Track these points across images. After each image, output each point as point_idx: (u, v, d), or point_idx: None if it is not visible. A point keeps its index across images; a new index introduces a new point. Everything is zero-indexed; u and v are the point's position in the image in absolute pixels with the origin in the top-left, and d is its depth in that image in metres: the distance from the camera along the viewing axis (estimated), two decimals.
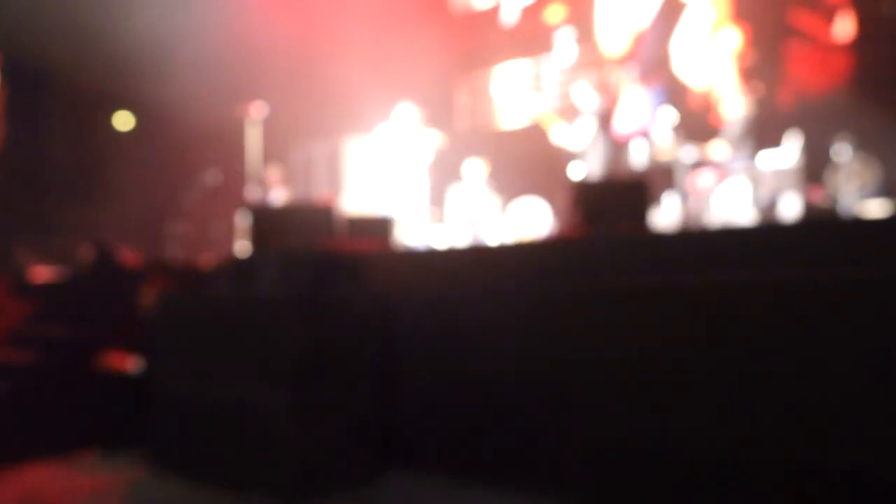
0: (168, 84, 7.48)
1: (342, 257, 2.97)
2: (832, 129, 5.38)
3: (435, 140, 6.51)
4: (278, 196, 6.78)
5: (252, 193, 6.64)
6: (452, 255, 3.02)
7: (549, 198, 6.35)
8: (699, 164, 5.43)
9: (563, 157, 5.87)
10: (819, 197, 5.28)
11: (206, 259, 4.44)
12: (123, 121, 8.41)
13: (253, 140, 6.48)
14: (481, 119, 8.40)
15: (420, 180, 6.55)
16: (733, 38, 6.35)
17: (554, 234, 5.63)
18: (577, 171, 5.65)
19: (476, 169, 7.39)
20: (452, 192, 7.17)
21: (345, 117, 8.03)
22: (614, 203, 3.20)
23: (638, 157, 5.71)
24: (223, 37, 7.77)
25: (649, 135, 5.65)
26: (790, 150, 5.22)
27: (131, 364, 3.28)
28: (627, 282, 2.30)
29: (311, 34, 8.17)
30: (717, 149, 5.47)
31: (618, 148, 5.65)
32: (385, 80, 8.03)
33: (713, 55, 6.35)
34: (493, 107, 8.27)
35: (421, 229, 6.44)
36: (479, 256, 2.96)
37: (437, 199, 7.13)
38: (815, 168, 5.25)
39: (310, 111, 8.53)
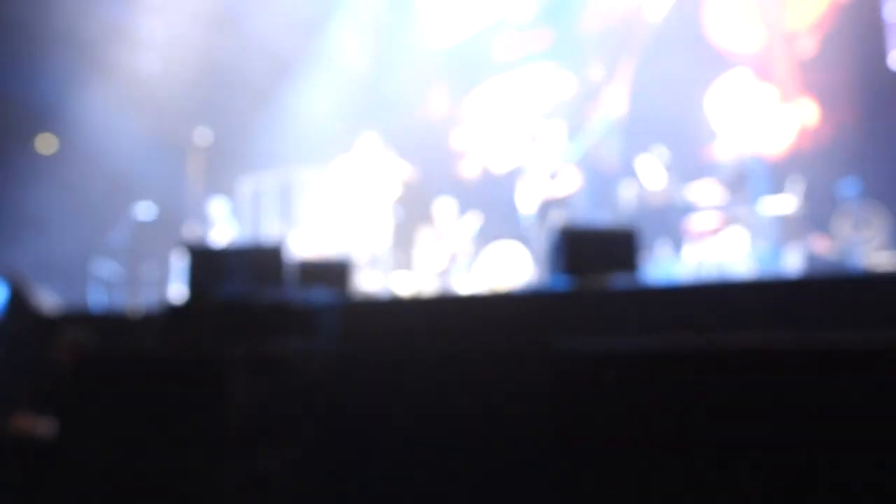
0: (97, 102, 7.46)
1: (293, 307, 2.99)
2: (837, 172, 5.54)
3: (402, 173, 6.56)
4: (222, 234, 6.80)
5: (191, 231, 6.63)
6: (419, 305, 3.04)
7: (530, 243, 6.49)
8: (695, 209, 5.54)
9: (548, 200, 6.04)
10: (824, 247, 5.39)
11: (136, 306, 4.39)
12: (46, 143, 8.32)
13: (194, 169, 6.52)
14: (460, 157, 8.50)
15: (384, 218, 6.62)
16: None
17: (534, 284, 5.75)
18: (559, 215, 5.82)
19: (446, 207, 7.52)
20: (421, 233, 7.21)
21: (300, 146, 8.06)
22: (601, 252, 3.26)
23: (627, 200, 5.85)
24: (164, 53, 7.79)
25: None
26: (792, 196, 5.35)
27: (43, 428, 3.20)
28: (615, 341, 2.36)
29: (261, 54, 8.23)
30: (713, 191, 5.59)
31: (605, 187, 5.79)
32: (346, 105, 8.12)
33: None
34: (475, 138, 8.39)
35: (384, 275, 6.54)
36: (449, 307, 2.98)
37: (404, 241, 7.14)
38: (819, 215, 5.38)
39: (259, 138, 8.54)
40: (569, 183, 5.85)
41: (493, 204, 7.40)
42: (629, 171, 6.12)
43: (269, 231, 8.05)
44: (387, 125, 7.71)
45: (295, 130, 8.14)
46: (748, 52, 6.48)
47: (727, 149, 5.76)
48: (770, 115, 6.23)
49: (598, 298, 2.73)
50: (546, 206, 5.93)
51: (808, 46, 6.18)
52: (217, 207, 7.02)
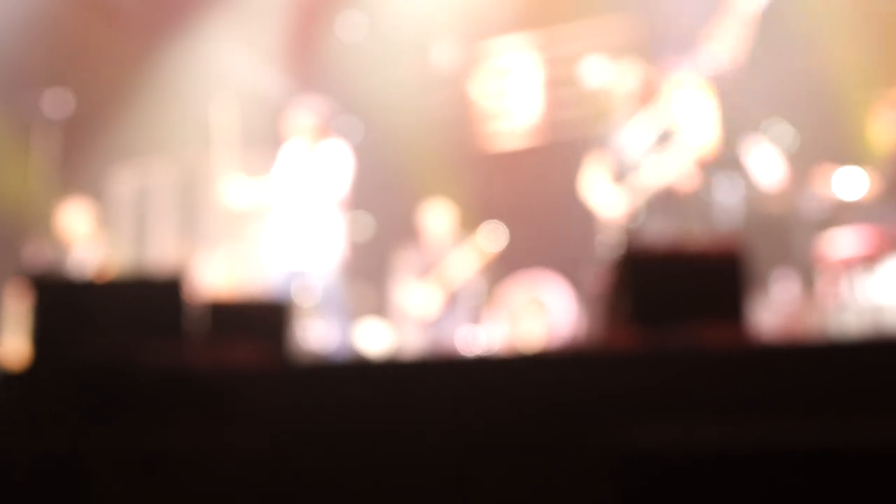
0: None
1: (199, 376, 3.00)
2: None
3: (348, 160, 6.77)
4: (85, 258, 6.87)
5: (37, 252, 6.70)
6: (400, 374, 3.03)
7: (572, 276, 6.72)
8: (835, 221, 5.55)
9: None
10: None
11: None
12: None
13: (43, 155, 6.66)
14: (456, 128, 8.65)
15: (339, 233, 6.80)
16: None
17: (579, 340, 5.82)
18: (617, 232, 5.94)
19: (442, 213, 7.69)
20: (401, 255, 7.29)
21: (204, 123, 8.25)
22: (685, 288, 3.27)
23: (729, 202, 5.89)
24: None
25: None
26: None
27: None
28: (710, 432, 2.42)
29: None
30: (866, 193, 5.62)
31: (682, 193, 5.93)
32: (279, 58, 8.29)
33: None
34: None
35: (341, 321, 6.72)
36: (449, 377, 2.97)
37: (373, 269, 7.22)
38: None
39: (146, 108, 8.63)
40: (657, 178, 5.91)
41: (519, 210, 7.48)
42: (730, 162, 6.21)
43: (162, 253, 8.09)
44: (348, 87, 7.82)
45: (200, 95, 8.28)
46: None
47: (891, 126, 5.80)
48: None
49: (682, 363, 2.74)
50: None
51: None
52: (76, 214, 7.00)
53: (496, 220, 8.00)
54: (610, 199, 6.00)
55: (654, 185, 5.81)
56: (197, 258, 7.75)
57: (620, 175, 6.03)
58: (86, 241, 7.00)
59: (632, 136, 6.05)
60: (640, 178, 5.87)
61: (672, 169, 5.79)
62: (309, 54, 9.72)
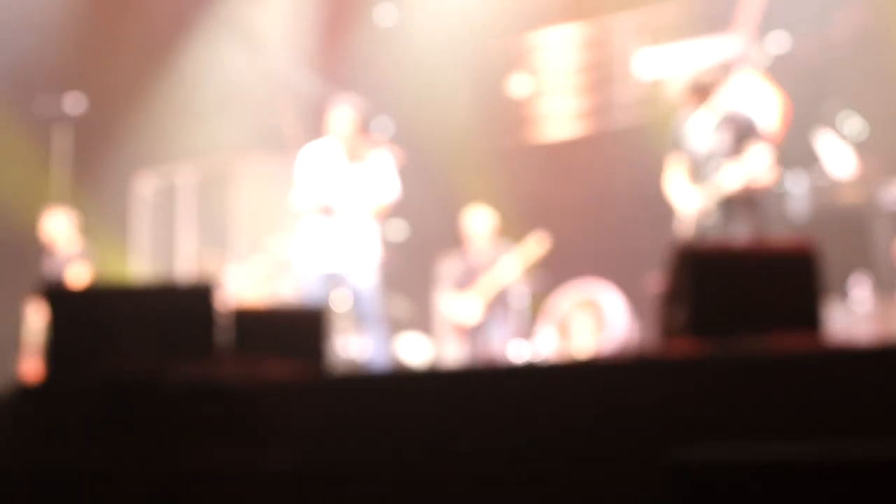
0: None
1: (227, 392, 3.00)
2: None
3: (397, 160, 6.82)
4: (66, 264, 6.94)
5: (55, 261, 6.80)
6: (442, 385, 3.03)
7: (627, 283, 6.74)
8: None
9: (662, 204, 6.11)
10: None
11: None
12: None
13: (57, 158, 6.88)
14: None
15: (371, 236, 6.79)
16: None
17: (634, 348, 5.87)
18: (682, 225, 5.87)
19: (481, 220, 7.71)
20: (442, 261, 7.29)
21: (238, 123, 8.25)
22: (752, 293, 3.24)
23: (801, 195, 5.89)
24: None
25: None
26: None
27: None
28: (798, 448, 2.39)
29: None
30: None
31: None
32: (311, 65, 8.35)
33: None
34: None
35: (379, 329, 6.69)
36: (498, 388, 2.95)
37: (412, 276, 7.21)
38: None
39: (165, 107, 8.68)
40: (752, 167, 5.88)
41: (566, 213, 7.46)
42: (801, 153, 6.19)
43: (188, 260, 8.14)
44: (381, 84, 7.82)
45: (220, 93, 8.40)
46: None
47: None
48: None
49: (749, 373, 2.69)
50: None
51: None
52: (58, 221, 7.01)
53: (542, 223, 7.95)
54: (687, 199, 5.95)
55: (730, 185, 5.77)
56: (226, 265, 7.75)
57: (696, 174, 5.99)
58: (67, 247, 7.08)
59: (702, 133, 5.99)
60: (716, 177, 5.83)
61: (748, 168, 5.74)
62: (341, 49, 9.77)
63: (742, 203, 5.87)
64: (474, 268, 7.88)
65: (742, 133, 5.85)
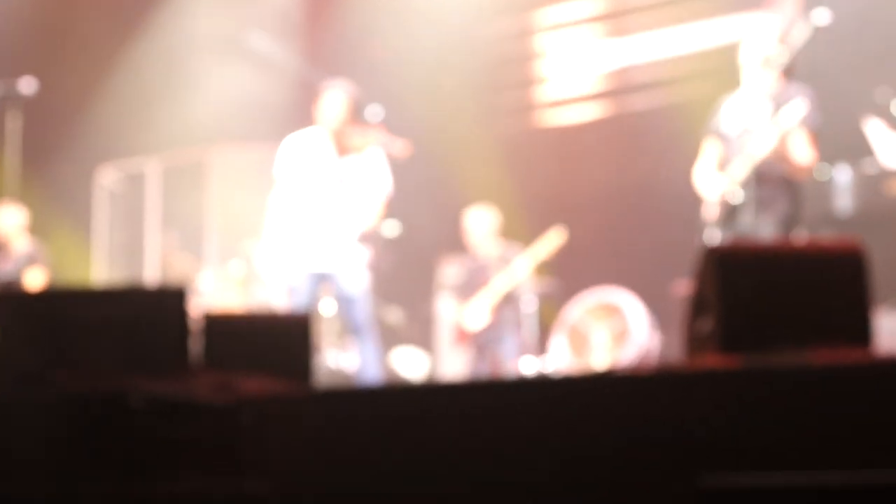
0: None
1: (200, 411, 3.01)
2: None
3: (400, 150, 6.80)
4: (15, 262, 7.06)
5: (7, 261, 6.94)
6: (449, 398, 3.04)
7: (648, 286, 6.85)
8: None
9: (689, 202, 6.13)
10: None
11: None
12: None
13: (11, 144, 6.81)
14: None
15: (363, 237, 6.78)
16: None
17: (656, 361, 6.01)
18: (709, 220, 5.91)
19: (483, 221, 7.74)
20: (442, 263, 7.32)
21: (213, 110, 8.56)
22: (789, 298, 3.22)
23: (842, 186, 5.97)
24: None
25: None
26: None
27: None
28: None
29: None
30: None
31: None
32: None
33: None
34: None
35: (369, 336, 6.66)
36: (508, 402, 2.97)
37: (407, 279, 7.23)
38: None
39: (130, 93, 8.88)
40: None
41: (578, 210, 7.48)
42: (850, 140, 6.21)
43: (155, 262, 8.19)
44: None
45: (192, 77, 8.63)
46: None
47: None
48: None
49: (782, 392, 2.70)
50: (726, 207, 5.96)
51: None
52: (7, 217, 7.13)
53: (551, 222, 7.98)
54: (715, 189, 5.94)
55: (762, 149, 5.71)
56: (199, 268, 7.79)
57: (728, 162, 5.98)
58: (21, 246, 7.26)
59: (744, 115, 5.97)
60: (745, 157, 5.81)
61: (783, 123, 5.70)
62: (327, 27, 9.86)
63: (777, 187, 5.83)
64: (478, 273, 7.92)
65: (779, 110, 5.79)
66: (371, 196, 6.61)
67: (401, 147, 6.56)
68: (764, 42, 5.90)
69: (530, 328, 7.70)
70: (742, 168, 5.73)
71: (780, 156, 5.62)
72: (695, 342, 3.37)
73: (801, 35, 5.74)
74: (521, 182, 8.86)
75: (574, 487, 2.71)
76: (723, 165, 5.97)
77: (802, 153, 5.72)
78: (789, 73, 5.96)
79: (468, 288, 7.95)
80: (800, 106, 5.58)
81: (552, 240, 7.73)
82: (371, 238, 6.76)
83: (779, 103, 5.77)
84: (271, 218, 6.84)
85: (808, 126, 5.70)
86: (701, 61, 8.43)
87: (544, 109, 9.73)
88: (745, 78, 5.97)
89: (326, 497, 2.94)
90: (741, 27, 7.07)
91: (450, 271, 8.08)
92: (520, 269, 7.69)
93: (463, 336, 7.89)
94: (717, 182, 5.90)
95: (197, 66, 9.18)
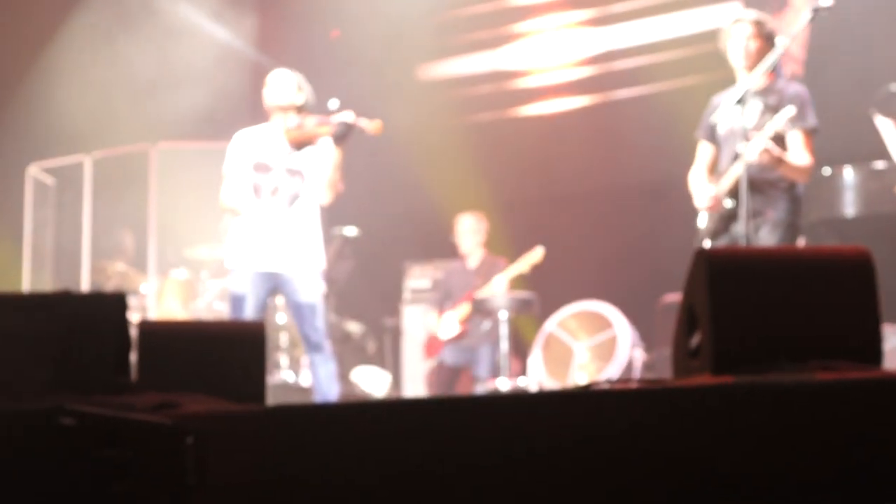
0: None
1: (140, 432, 2.96)
2: None
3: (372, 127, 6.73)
4: None
5: None
6: (409, 420, 3.05)
7: (633, 298, 6.96)
8: None
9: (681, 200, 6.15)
10: None
11: None
12: None
13: None
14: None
15: (315, 236, 6.80)
16: None
17: (640, 378, 5.96)
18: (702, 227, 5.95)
19: (470, 223, 7.81)
20: (411, 271, 7.36)
21: (154, 98, 8.54)
22: (788, 311, 3.23)
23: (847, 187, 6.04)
24: None
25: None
26: None
27: None
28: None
29: None
30: None
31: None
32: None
33: None
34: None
35: (325, 345, 6.69)
36: (474, 420, 2.99)
37: (373, 288, 7.30)
38: None
39: (65, 87, 8.92)
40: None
41: (566, 215, 7.58)
42: (858, 137, 6.19)
43: (91, 268, 8.17)
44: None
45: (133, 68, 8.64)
46: None
47: None
48: None
49: (778, 413, 2.74)
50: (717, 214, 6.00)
51: None
52: None
53: (528, 229, 8.05)
54: (706, 196, 5.95)
55: (756, 148, 5.72)
56: (141, 276, 7.78)
57: (720, 166, 6.00)
58: None
59: (728, 116, 5.99)
60: (735, 162, 5.83)
61: (776, 123, 5.71)
62: (276, 16, 9.88)
63: (772, 193, 5.86)
64: (462, 280, 8.01)
65: (783, 106, 5.82)
66: (326, 192, 6.57)
67: (372, 124, 6.49)
68: (745, 38, 5.95)
69: (506, 340, 7.63)
70: (732, 173, 5.78)
71: (773, 159, 5.66)
72: (684, 360, 3.37)
73: (801, 23, 5.80)
74: (495, 184, 8.78)
75: None
76: (715, 170, 6.02)
77: (797, 155, 5.76)
78: (780, 70, 6.01)
79: (448, 296, 8.04)
80: (791, 106, 5.63)
81: (533, 257, 7.75)
82: (334, 249, 6.78)
83: (769, 103, 5.82)
84: (223, 220, 6.86)
85: (802, 127, 5.75)
86: (686, 49, 8.45)
87: (519, 101, 9.67)
88: (736, 75, 6.02)
89: None
90: (721, 18, 7.10)
91: (421, 280, 8.11)
92: (499, 283, 7.74)
93: (435, 347, 7.97)
94: (709, 189, 5.94)
95: (139, 60, 9.13)
